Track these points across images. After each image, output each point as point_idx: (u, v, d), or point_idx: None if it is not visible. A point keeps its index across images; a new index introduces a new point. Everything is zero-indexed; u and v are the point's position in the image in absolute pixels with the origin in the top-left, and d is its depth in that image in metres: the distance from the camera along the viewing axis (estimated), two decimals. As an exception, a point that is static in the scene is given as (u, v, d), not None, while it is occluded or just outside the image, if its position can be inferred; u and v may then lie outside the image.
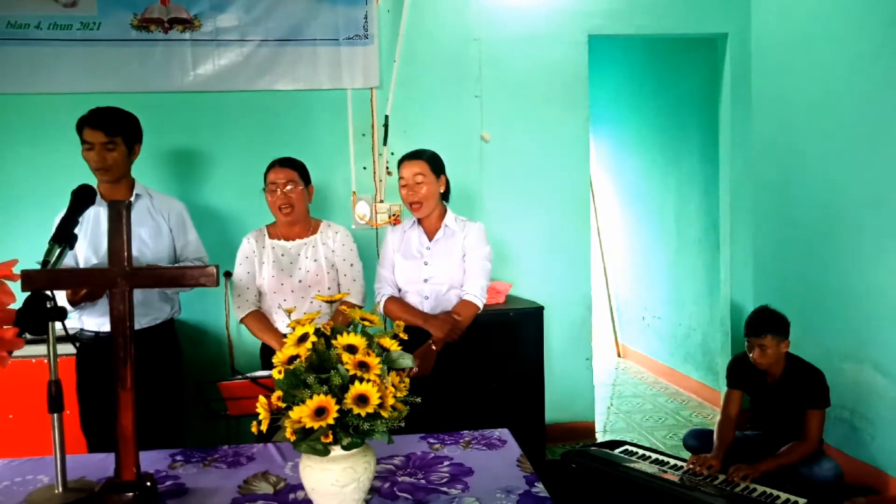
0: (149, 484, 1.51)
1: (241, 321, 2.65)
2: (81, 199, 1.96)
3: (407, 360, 1.40)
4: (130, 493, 1.46)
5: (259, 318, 2.62)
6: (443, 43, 3.78)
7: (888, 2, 3.03)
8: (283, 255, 2.66)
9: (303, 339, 1.36)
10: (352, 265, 2.71)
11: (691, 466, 2.85)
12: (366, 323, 1.43)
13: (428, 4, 3.74)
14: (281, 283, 2.62)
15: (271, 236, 2.69)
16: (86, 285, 2.11)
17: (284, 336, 2.53)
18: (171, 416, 2.62)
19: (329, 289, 2.65)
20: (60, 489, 1.56)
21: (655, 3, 3.92)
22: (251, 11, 3.50)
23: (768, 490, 2.63)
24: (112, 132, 2.44)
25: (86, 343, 2.54)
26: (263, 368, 2.62)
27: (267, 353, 2.63)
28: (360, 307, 2.63)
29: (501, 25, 3.82)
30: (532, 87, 3.86)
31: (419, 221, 2.65)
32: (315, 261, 2.65)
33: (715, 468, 2.82)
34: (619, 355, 6.26)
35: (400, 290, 2.64)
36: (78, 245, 2.50)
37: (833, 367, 3.01)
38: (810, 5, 3.53)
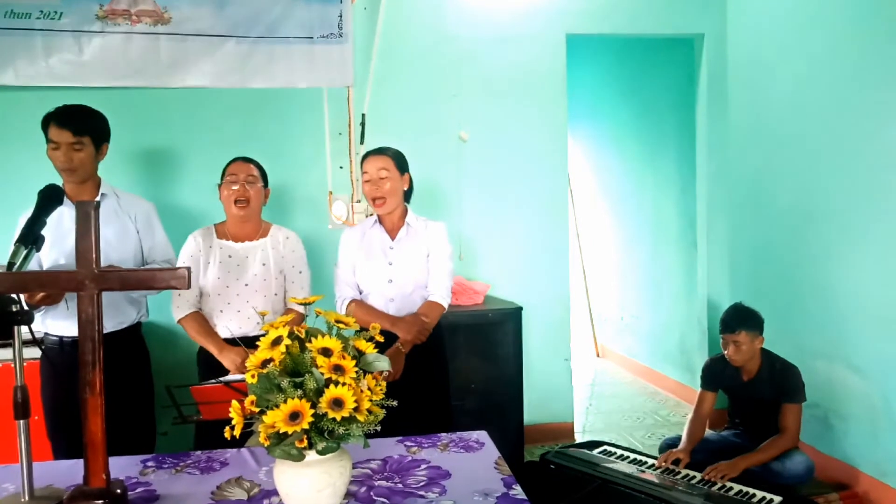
0: (119, 491, 1.47)
1: (179, 322, 2.53)
2: (48, 199, 1.91)
3: (383, 363, 1.38)
4: (100, 501, 1.42)
5: (199, 320, 2.52)
6: (420, 41, 3.76)
7: (863, 3, 3.07)
8: (230, 256, 2.57)
9: (277, 342, 1.34)
10: (300, 272, 2.65)
11: (662, 464, 2.87)
12: (341, 326, 1.41)
13: (405, 2, 3.72)
14: (226, 286, 2.53)
15: (219, 236, 2.61)
16: (53, 288, 2.05)
17: (225, 340, 2.48)
18: (140, 422, 2.55)
19: (276, 294, 2.59)
20: (27, 497, 1.52)
21: (633, 4, 3.95)
22: (223, 6, 3.43)
23: (744, 488, 2.66)
24: (79, 132, 2.36)
25: (50, 348, 2.47)
26: (200, 375, 2.53)
27: (205, 359, 2.54)
28: (305, 315, 2.58)
29: (479, 24, 3.81)
30: (510, 86, 3.86)
31: (380, 221, 2.60)
32: (264, 265, 2.58)
33: (683, 462, 2.85)
34: (597, 355, 6.29)
35: (361, 292, 2.59)
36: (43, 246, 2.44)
37: (807, 364, 3.05)
38: (786, 6, 3.57)
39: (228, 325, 2.52)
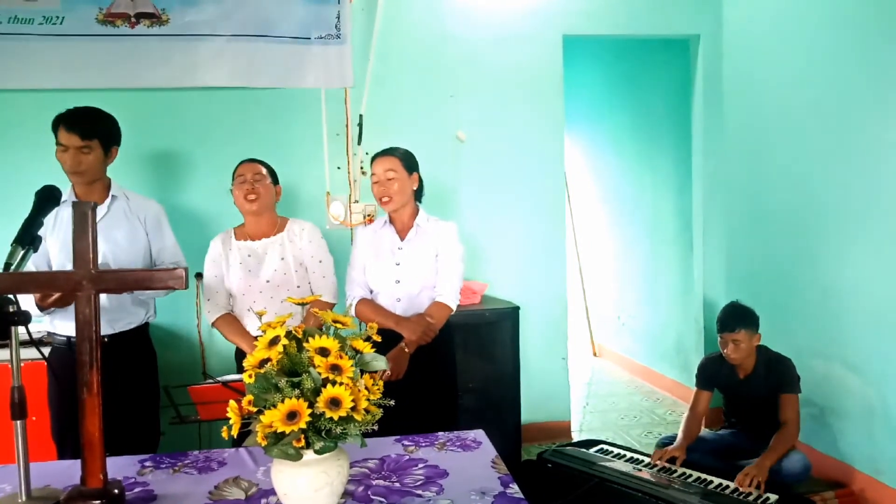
0: (116, 491, 1.47)
1: (213, 325, 2.62)
2: (45, 200, 1.91)
3: (380, 363, 1.38)
4: (97, 501, 1.42)
5: (230, 321, 2.60)
6: (418, 42, 3.76)
7: (859, 4, 3.08)
8: (249, 255, 2.62)
9: (274, 341, 1.34)
10: (321, 261, 2.67)
11: (658, 462, 2.87)
12: (338, 325, 1.41)
13: (402, 3, 3.72)
14: (249, 285, 2.59)
15: (238, 237, 2.66)
16: (50, 288, 2.05)
17: (256, 339, 2.53)
18: (145, 423, 2.55)
19: (299, 287, 2.61)
20: (24, 498, 1.52)
21: (629, 5, 3.95)
22: (221, 7, 3.43)
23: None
24: (88, 135, 2.37)
25: (57, 348, 2.47)
26: (239, 372, 2.59)
27: (241, 357, 2.59)
28: (333, 304, 2.61)
29: (476, 25, 3.82)
30: (507, 87, 3.87)
31: (391, 221, 2.61)
32: (282, 259, 2.61)
33: (679, 459, 2.86)
34: (594, 355, 6.29)
35: (371, 292, 2.59)
36: (51, 248, 2.44)
37: (803, 363, 3.05)
38: (781, 7, 3.58)
39: (258, 323, 2.54)
